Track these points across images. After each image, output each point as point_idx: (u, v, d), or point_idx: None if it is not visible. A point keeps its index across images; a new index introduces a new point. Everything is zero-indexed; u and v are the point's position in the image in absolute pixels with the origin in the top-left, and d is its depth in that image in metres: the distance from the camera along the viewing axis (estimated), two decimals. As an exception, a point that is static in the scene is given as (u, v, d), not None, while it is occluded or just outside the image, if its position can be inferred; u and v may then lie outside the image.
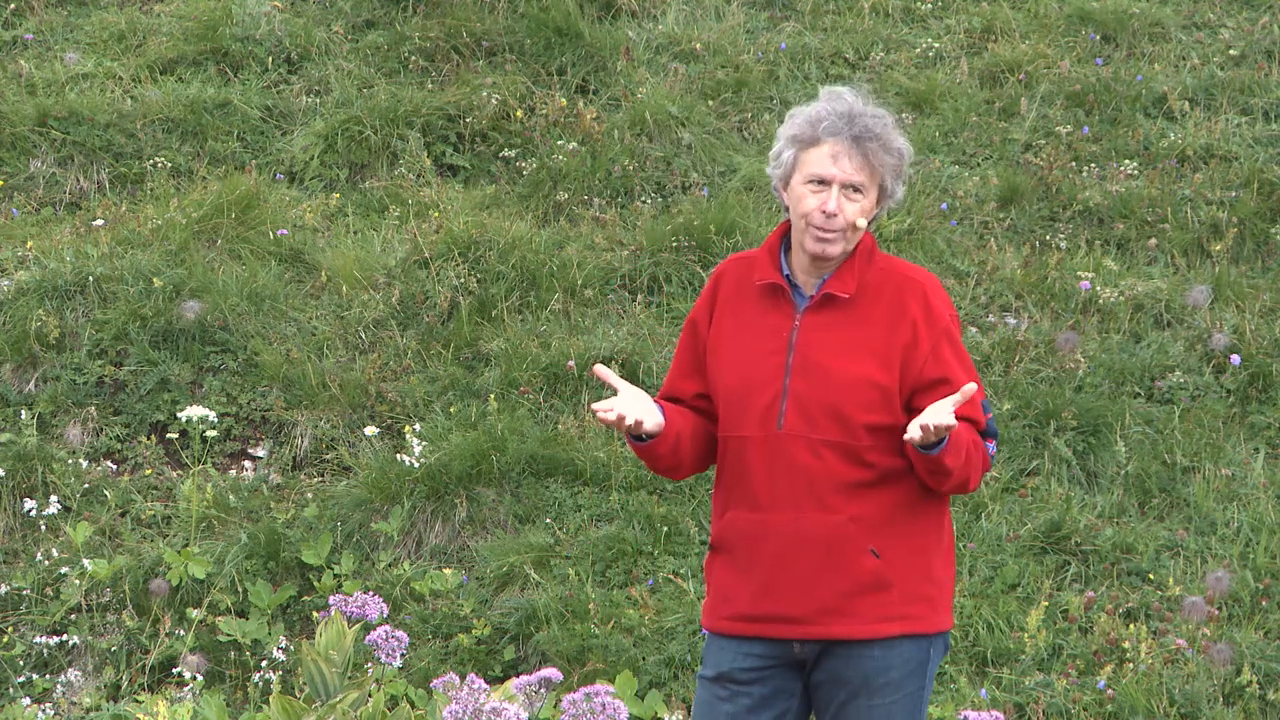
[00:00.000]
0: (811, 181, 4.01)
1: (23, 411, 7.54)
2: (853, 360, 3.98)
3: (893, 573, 3.99)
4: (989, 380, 7.42)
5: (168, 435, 7.52)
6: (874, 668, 4.00)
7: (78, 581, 6.79)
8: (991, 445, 4.02)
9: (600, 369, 4.12)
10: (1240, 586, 6.38)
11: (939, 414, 3.83)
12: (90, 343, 7.81)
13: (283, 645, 6.59)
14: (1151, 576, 6.49)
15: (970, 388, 3.86)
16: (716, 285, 4.18)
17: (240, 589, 6.78)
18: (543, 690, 3.97)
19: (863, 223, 4.00)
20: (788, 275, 4.09)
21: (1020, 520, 6.77)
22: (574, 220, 8.66)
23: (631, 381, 7.49)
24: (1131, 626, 6.20)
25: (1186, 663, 6.05)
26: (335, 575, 6.83)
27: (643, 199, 8.78)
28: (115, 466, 7.48)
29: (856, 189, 3.99)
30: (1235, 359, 7.47)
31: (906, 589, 4.01)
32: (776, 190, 4.12)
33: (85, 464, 7.39)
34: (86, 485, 7.30)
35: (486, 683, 3.85)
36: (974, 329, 7.76)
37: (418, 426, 7.33)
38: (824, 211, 3.98)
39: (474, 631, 6.53)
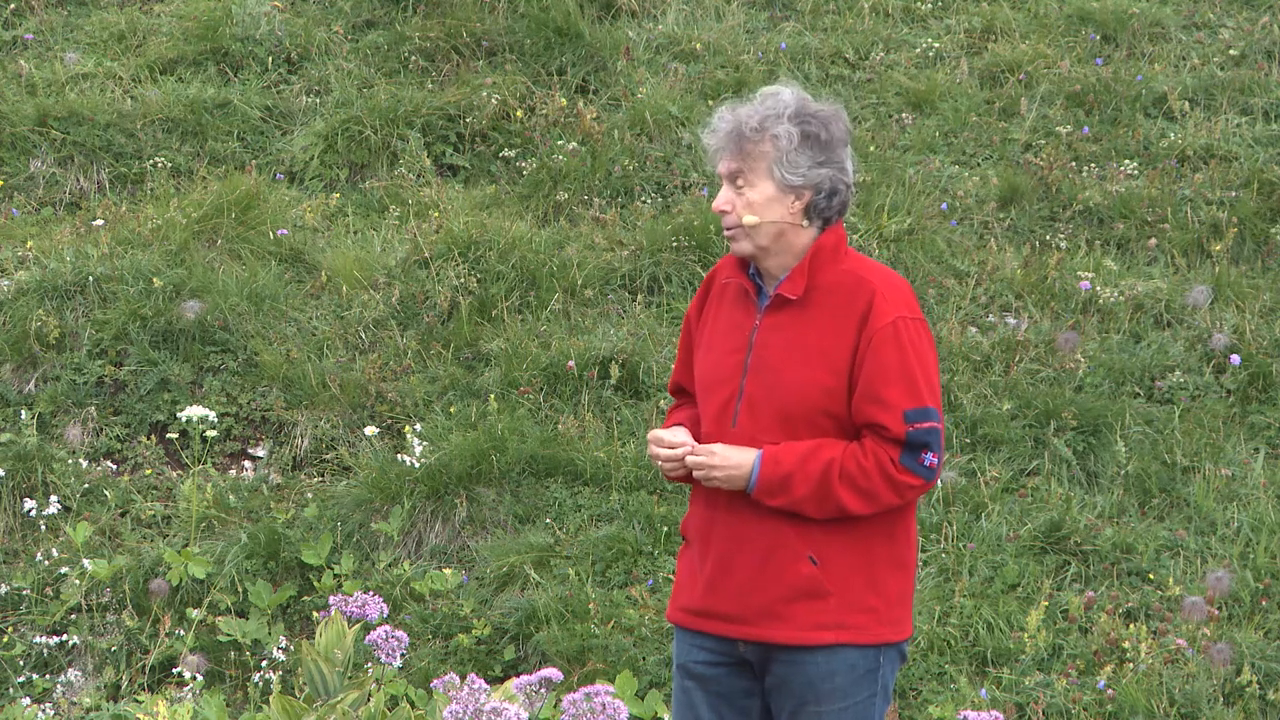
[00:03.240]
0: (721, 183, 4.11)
1: (23, 411, 7.54)
2: (802, 363, 3.97)
3: (831, 581, 3.96)
4: (989, 380, 7.42)
5: (168, 435, 7.52)
6: (817, 674, 3.99)
7: (78, 581, 6.79)
8: (928, 456, 3.92)
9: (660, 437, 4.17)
10: (1240, 586, 6.37)
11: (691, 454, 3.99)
12: (90, 343, 7.81)
13: (283, 645, 6.59)
14: (1151, 576, 6.49)
15: (695, 449, 3.98)
16: (709, 284, 4.23)
17: (240, 589, 6.78)
18: (543, 690, 3.97)
19: (750, 219, 3.98)
20: (754, 275, 4.10)
21: (1020, 520, 6.77)
22: (574, 220, 8.66)
23: (631, 381, 7.52)
24: (1131, 626, 6.20)
25: (1186, 663, 6.05)
26: (335, 575, 6.83)
27: (643, 199, 8.78)
28: (115, 466, 7.48)
29: (739, 183, 4.02)
30: (1235, 359, 7.47)
31: (846, 598, 3.97)
32: None
33: (85, 464, 7.39)
34: (86, 485, 7.30)
35: (486, 683, 3.85)
36: (974, 329, 7.76)
37: (418, 426, 7.33)
38: (716, 209, 4.05)
39: (474, 631, 6.53)
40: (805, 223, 4.03)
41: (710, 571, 4.05)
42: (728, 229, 4.04)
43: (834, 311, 3.97)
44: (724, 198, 4.03)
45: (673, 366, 4.33)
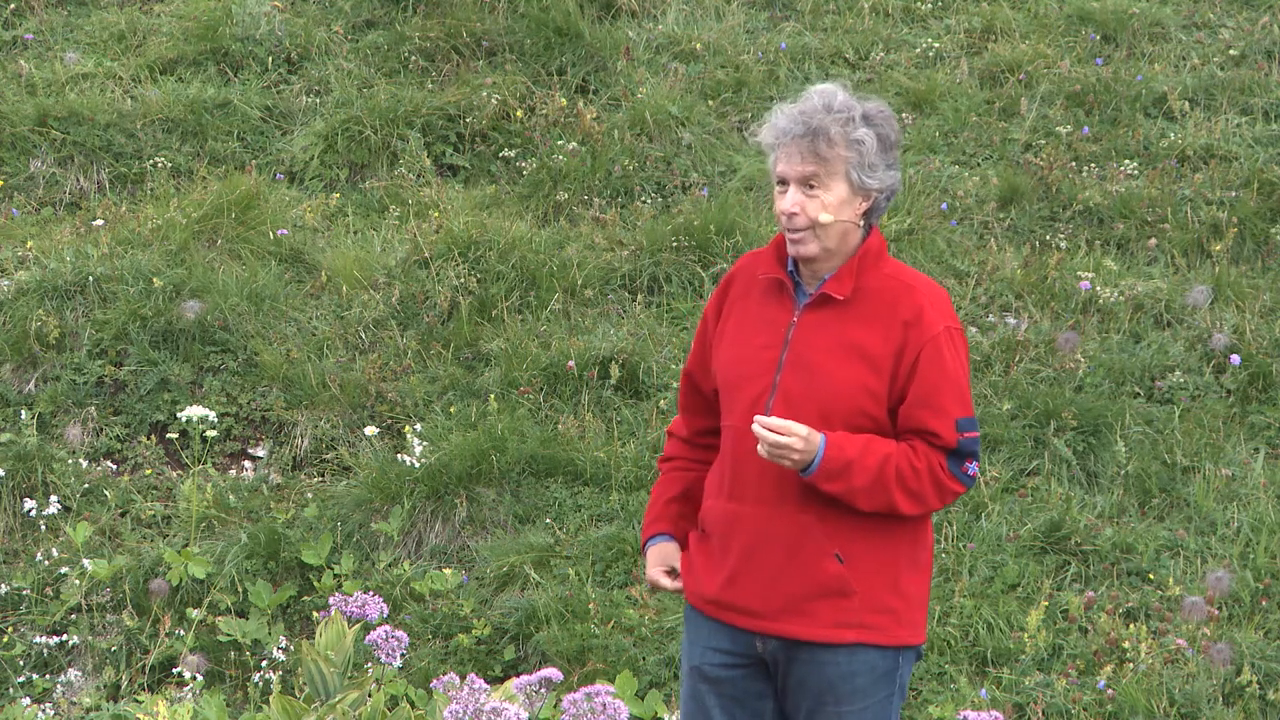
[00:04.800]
0: (778, 184, 4.04)
1: (23, 411, 7.53)
2: (844, 362, 3.97)
3: (856, 580, 3.98)
4: (989, 380, 7.42)
5: (168, 435, 7.52)
6: (838, 674, 4.00)
7: (78, 581, 6.79)
8: (972, 465, 3.97)
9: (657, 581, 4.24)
10: (1240, 586, 6.38)
11: (765, 428, 3.89)
12: (90, 343, 7.81)
13: (283, 645, 6.59)
14: (1151, 576, 6.49)
15: (766, 422, 3.88)
16: (729, 283, 4.21)
17: (240, 589, 6.78)
18: (543, 690, 3.97)
19: (826, 218, 3.96)
20: (792, 272, 4.09)
21: (1020, 520, 6.77)
22: (574, 220, 8.66)
23: (631, 381, 7.52)
24: (1131, 626, 6.20)
25: (1186, 663, 6.05)
26: (335, 575, 6.83)
27: (643, 199, 8.78)
28: (115, 466, 7.48)
29: (812, 184, 3.98)
30: (1235, 359, 7.47)
31: (869, 598, 3.99)
32: None
33: (85, 464, 7.38)
34: (86, 485, 7.30)
35: (486, 683, 3.85)
36: (974, 329, 7.76)
37: (418, 426, 7.33)
38: (784, 212, 4.01)
39: (474, 631, 6.53)
40: (860, 223, 4.04)
41: (732, 565, 4.05)
42: (796, 231, 4.00)
43: (877, 314, 3.98)
44: (794, 200, 3.99)
45: (689, 357, 4.32)
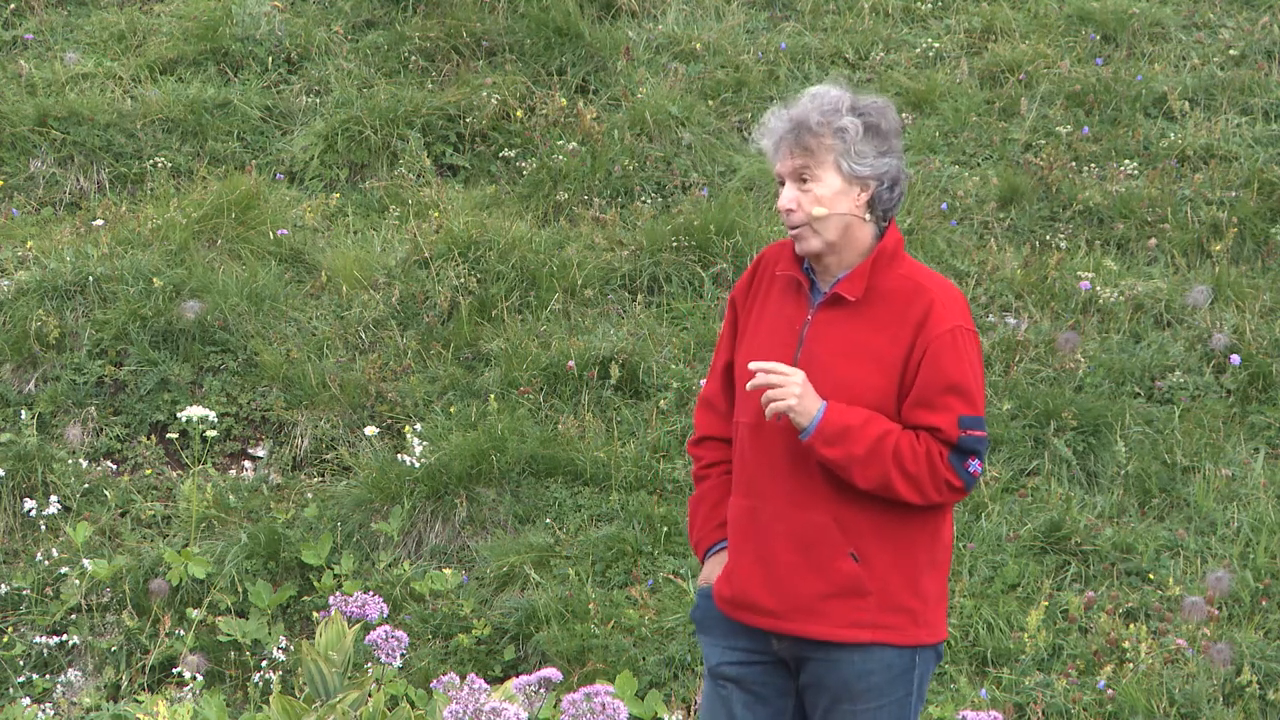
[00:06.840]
0: (780, 184, 4.07)
1: (23, 411, 7.53)
2: (855, 362, 3.97)
3: (872, 580, 3.96)
4: (989, 380, 7.42)
5: (168, 435, 7.52)
6: (853, 673, 3.99)
7: (78, 581, 6.79)
8: (974, 463, 3.94)
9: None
10: (1240, 586, 6.37)
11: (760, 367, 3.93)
12: (90, 343, 7.81)
13: (283, 645, 6.59)
14: (1151, 576, 6.49)
15: (766, 365, 3.92)
16: (756, 268, 4.21)
17: (240, 589, 6.78)
18: (543, 690, 3.97)
19: (820, 210, 3.97)
20: (808, 270, 4.09)
21: (1020, 520, 6.77)
22: (574, 220, 8.66)
23: (631, 381, 7.51)
24: (1131, 626, 6.20)
25: (1186, 663, 6.05)
26: (335, 575, 6.82)
27: (643, 199, 8.78)
28: (115, 466, 7.48)
29: (804, 178, 4.00)
30: (1235, 359, 7.47)
31: (885, 598, 3.97)
32: None
33: (85, 464, 7.38)
34: (86, 485, 7.30)
35: (486, 683, 3.85)
36: (974, 329, 7.77)
37: (418, 426, 7.33)
38: (781, 209, 4.03)
39: (474, 631, 6.53)
40: (867, 216, 4.03)
41: (747, 563, 4.05)
42: (794, 228, 4.01)
43: (889, 314, 3.98)
44: (788, 196, 4.01)
45: (717, 348, 4.31)
